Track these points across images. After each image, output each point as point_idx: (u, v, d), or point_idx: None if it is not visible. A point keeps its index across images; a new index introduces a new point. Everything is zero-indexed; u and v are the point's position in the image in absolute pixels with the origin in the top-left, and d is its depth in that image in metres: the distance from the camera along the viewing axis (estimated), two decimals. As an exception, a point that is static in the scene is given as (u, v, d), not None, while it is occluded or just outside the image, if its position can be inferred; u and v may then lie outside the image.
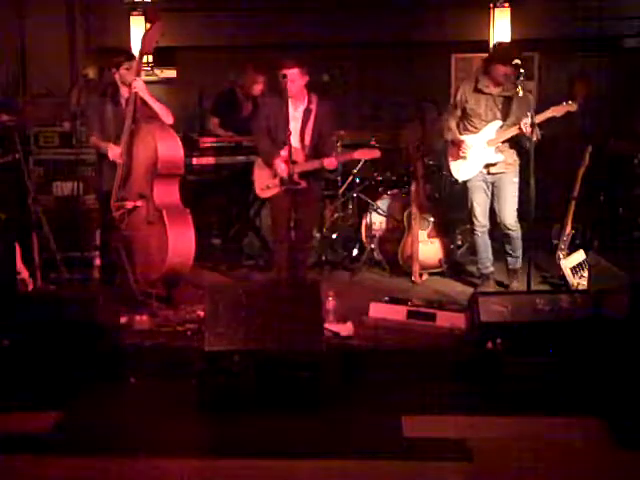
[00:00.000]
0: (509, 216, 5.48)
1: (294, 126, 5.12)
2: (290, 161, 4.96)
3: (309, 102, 5.19)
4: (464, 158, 5.49)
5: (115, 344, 4.36)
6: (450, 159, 5.64)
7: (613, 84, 7.68)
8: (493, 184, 5.53)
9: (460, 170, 5.57)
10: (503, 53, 5.35)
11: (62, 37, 7.12)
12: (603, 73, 7.69)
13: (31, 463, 3.30)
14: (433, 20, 7.54)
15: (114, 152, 5.10)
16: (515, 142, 5.36)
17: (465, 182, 5.59)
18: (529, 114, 5.01)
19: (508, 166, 5.44)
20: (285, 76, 4.93)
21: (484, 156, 5.45)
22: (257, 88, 6.53)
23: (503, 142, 5.39)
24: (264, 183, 5.31)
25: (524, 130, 5.15)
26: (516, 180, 5.43)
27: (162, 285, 5.20)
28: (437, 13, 7.49)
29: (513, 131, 5.28)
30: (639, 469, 3.22)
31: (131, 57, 5.22)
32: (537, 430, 3.53)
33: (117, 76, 5.21)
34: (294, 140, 5.07)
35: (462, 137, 5.50)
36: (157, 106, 5.12)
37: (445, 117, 5.66)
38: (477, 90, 5.42)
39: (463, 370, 4.07)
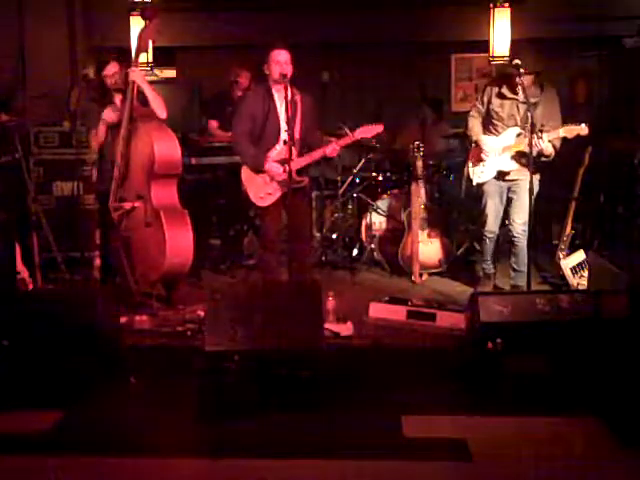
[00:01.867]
0: (519, 222, 5.42)
1: (282, 122, 4.96)
2: (287, 160, 4.83)
3: (292, 94, 4.92)
4: (483, 160, 5.44)
5: (115, 344, 4.36)
6: (469, 160, 5.59)
7: (613, 84, 7.68)
8: (509, 189, 5.48)
9: (476, 173, 5.52)
10: (521, 59, 5.08)
11: (62, 37, 7.12)
12: (603, 73, 7.69)
13: (31, 463, 3.30)
14: (433, 20, 7.55)
15: (108, 113, 5.09)
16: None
17: (480, 185, 5.54)
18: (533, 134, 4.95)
19: (525, 172, 5.26)
20: (285, 76, 4.79)
21: (498, 162, 5.40)
22: (242, 83, 6.56)
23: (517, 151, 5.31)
24: (261, 191, 5.08)
25: (527, 150, 5.03)
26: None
27: (162, 285, 5.21)
28: (437, 13, 7.50)
29: (520, 145, 5.23)
30: (639, 468, 3.22)
31: (111, 60, 5.15)
32: (537, 430, 3.52)
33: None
34: (284, 136, 4.94)
35: (481, 137, 5.46)
36: (153, 97, 5.06)
37: (471, 113, 5.56)
38: (501, 94, 5.36)
39: (463, 370, 4.07)
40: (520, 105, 5.30)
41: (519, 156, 5.33)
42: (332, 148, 4.91)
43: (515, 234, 5.46)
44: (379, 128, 4.99)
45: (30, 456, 3.34)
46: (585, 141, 5.72)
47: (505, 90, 5.35)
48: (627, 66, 7.45)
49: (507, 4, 6.80)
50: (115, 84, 5.14)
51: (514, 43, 6.62)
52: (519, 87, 5.05)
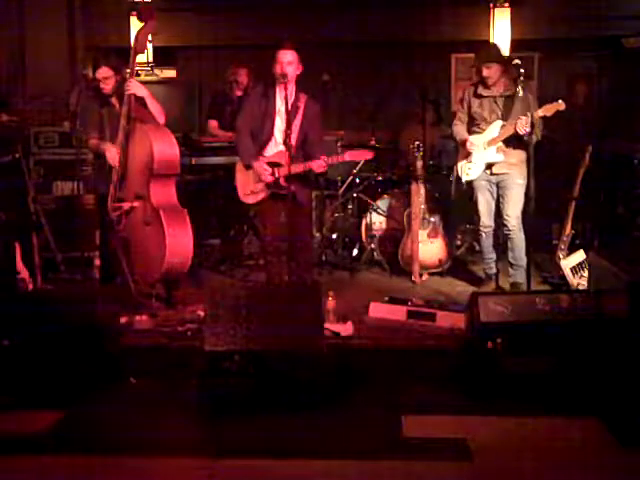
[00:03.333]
0: (511, 217, 5.45)
1: (279, 123, 4.95)
2: (274, 164, 4.88)
3: (297, 98, 4.93)
4: (470, 157, 5.50)
5: (115, 344, 4.36)
6: (458, 160, 5.66)
7: (613, 84, 7.68)
8: (498, 184, 5.53)
9: (465, 171, 5.58)
10: (481, 55, 5.47)
11: (62, 37, 7.12)
12: (603, 73, 7.70)
13: (31, 463, 3.30)
14: (433, 20, 7.55)
15: (112, 154, 5.11)
16: (520, 142, 5.32)
17: (471, 182, 5.59)
18: (528, 114, 5.04)
19: (512, 166, 5.41)
20: (285, 76, 4.79)
21: (485, 156, 5.46)
22: (242, 82, 6.56)
23: (506, 143, 5.37)
24: (248, 188, 5.09)
25: (520, 131, 5.16)
26: (520, 181, 5.37)
27: (162, 285, 5.21)
28: (437, 13, 7.50)
29: (510, 130, 5.29)
30: (639, 468, 3.22)
31: (102, 65, 5.14)
32: (537, 430, 3.52)
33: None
34: (278, 138, 4.94)
35: (467, 136, 5.53)
36: (152, 104, 5.09)
37: (454, 121, 5.68)
38: (477, 94, 5.48)
39: (463, 370, 4.07)
40: (499, 99, 5.40)
41: (507, 140, 5.37)
42: (319, 164, 4.80)
43: (510, 227, 5.48)
44: (369, 155, 5.08)
45: (30, 456, 3.35)
46: (585, 141, 5.73)
47: (481, 89, 5.46)
48: (627, 66, 7.45)
49: (507, 4, 6.81)
50: (108, 89, 5.14)
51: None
52: (520, 81, 5.09)
